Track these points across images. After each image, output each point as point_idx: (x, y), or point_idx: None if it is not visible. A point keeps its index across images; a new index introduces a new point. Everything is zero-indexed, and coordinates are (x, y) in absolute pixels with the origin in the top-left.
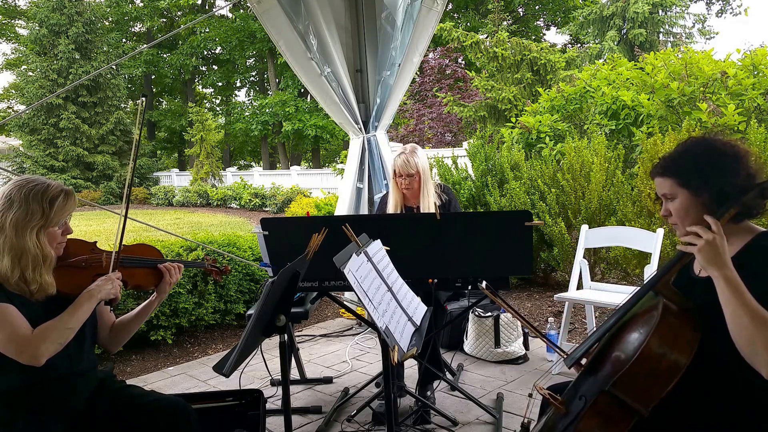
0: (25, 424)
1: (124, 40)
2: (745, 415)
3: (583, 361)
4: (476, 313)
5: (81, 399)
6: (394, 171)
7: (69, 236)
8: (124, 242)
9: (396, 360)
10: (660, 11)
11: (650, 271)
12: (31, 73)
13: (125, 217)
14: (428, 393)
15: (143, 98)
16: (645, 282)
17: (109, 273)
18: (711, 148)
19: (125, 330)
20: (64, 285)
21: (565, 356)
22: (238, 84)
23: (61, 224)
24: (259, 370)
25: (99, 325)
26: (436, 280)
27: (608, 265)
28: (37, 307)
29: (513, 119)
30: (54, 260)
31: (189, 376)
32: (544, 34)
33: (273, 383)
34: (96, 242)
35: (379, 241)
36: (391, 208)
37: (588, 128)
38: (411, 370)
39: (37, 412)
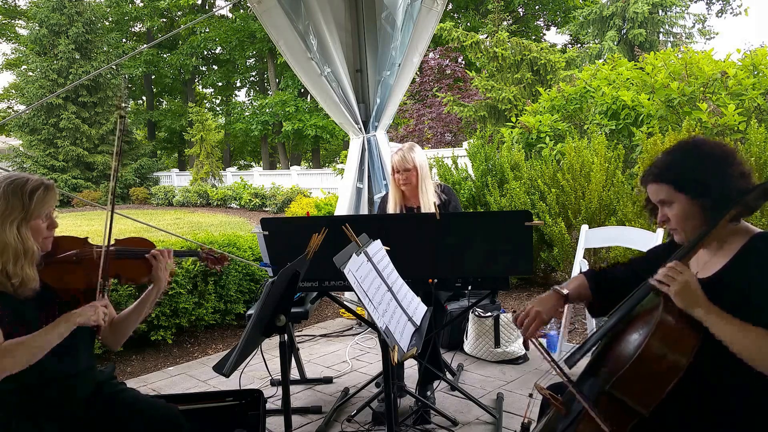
0: (20, 426)
1: (124, 40)
2: (745, 415)
3: (582, 363)
4: (476, 313)
5: (77, 401)
6: (392, 168)
7: (61, 233)
8: (116, 237)
9: (396, 360)
10: (660, 11)
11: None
12: (31, 73)
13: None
14: (428, 393)
15: (121, 118)
16: (645, 282)
17: (94, 302)
18: (702, 150)
19: (125, 325)
20: (55, 280)
21: (558, 365)
22: (238, 84)
23: (44, 217)
24: (259, 370)
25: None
26: (436, 280)
27: (608, 265)
28: (28, 304)
29: (513, 119)
30: (37, 254)
31: (189, 376)
32: (544, 34)
33: (273, 383)
34: (87, 238)
35: (379, 241)
36: (391, 208)
37: (588, 128)
38: (411, 370)
39: (32, 414)
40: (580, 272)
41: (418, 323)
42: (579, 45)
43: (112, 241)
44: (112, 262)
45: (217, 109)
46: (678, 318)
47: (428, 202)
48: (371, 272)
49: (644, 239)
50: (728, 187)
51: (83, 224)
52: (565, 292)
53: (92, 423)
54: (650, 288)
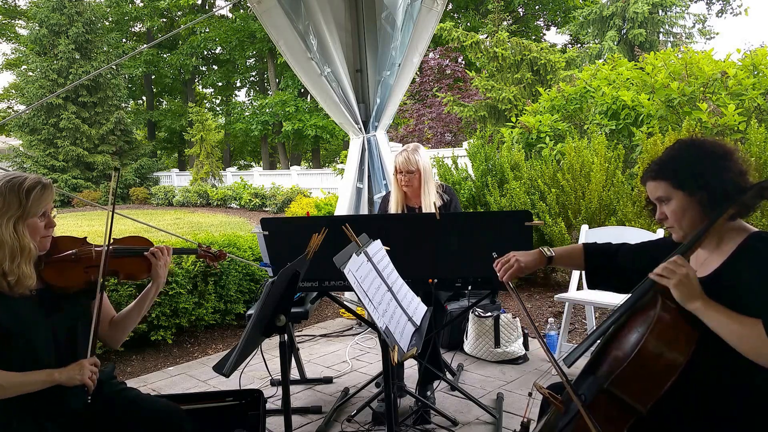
0: (21, 425)
1: (124, 40)
2: (743, 414)
3: (581, 362)
4: (476, 313)
5: (77, 400)
6: (395, 168)
7: (61, 233)
8: (115, 237)
9: (396, 360)
10: (660, 11)
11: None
12: (31, 73)
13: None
14: (428, 393)
15: (116, 171)
16: (644, 281)
17: (85, 359)
18: (701, 148)
19: (125, 322)
20: (55, 279)
21: (557, 364)
22: (238, 84)
23: (41, 215)
24: (259, 370)
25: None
26: (436, 280)
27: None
28: (26, 302)
29: (513, 119)
30: (34, 253)
31: (189, 376)
32: (544, 34)
33: (273, 383)
34: (86, 238)
35: (379, 241)
36: (392, 207)
37: (588, 128)
38: (411, 370)
39: (33, 413)
40: (583, 243)
41: (418, 323)
42: (579, 45)
43: (111, 241)
44: (111, 260)
45: (217, 109)
46: (675, 317)
47: (430, 203)
48: (371, 272)
49: (644, 239)
50: (726, 184)
51: (83, 224)
52: (549, 254)
53: (93, 422)
54: (651, 283)
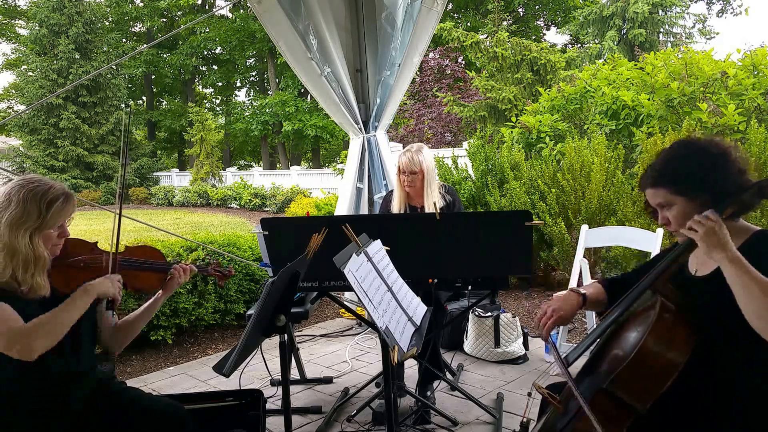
0: (24, 425)
1: (124, 40)
2: (743, 414)
3: (580, 362)
4: (476, 313)
5: (79, 400)
6: (399, 168)
7: (70, 236)
8: (126, 243)
9: (396, 360)
10: (660, 11)
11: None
12: (31, 73)
13: (120, 216)
14: (428, 393)
15: (128, 108)
16: (642, 280)
17: (109, 274)
18: (697, 149)
19: (131, 329)
20: (62, 285)
21: (563, 362)
22: (238, 84)
23: (57, 227)
24: (259, 370)
25: (100, 327)
26: (436, 280)
27: (608, 264)
28: (34, 305)
29: (513, 119)
30: (48, 262)
31: (189, 376)
32: (544, 34)
33: (273, 383)
34: (96, 242)
35: (379, 241)
36: (395, 206)
37: (588, 128)
38: (411, 370)
39: (35, 413)
40: (598, 281)
41: (418, 323)
42: (579, 45)
43: (122, 248)
44: (122, 272)
45: (217, 109)
46: (675, 317)
47: (432, 203)
48: (371, 272)
49: (644, 239)
50: (726, 184)
51: (82, 224)
52: (583, 291)
53: (96, 421)
54: (649, 284)
